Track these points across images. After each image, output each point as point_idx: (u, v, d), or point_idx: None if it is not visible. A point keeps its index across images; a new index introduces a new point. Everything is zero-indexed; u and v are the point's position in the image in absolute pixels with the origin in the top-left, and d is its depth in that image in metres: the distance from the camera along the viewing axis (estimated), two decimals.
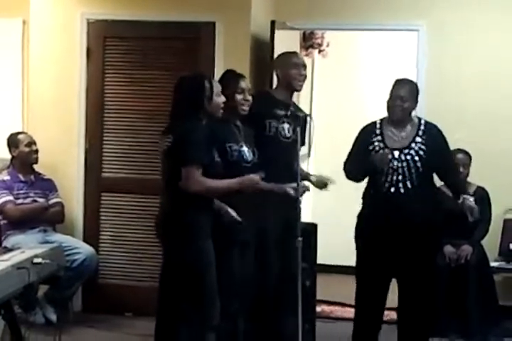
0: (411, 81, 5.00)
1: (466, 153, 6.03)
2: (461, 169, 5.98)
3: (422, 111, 6.35)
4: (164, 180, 4.25)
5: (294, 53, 5.33)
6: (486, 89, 6.33)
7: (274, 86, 5.27)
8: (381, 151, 4.83)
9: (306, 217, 4.91)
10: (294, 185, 4.54)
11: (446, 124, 6.28)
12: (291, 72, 4.99)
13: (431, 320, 5.09)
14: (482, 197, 6.02)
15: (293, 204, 4.59)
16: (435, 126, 5.03)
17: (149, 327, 4.49)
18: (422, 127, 4.98)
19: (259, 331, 4.88)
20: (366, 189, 4.99)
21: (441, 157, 4.96)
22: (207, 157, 4.10)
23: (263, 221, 4.60)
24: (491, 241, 6.10)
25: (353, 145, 5.02)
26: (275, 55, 5.30)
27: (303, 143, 4.94)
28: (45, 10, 6.16)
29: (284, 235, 4.78)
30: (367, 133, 4.96)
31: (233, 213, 4.29)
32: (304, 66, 5.08)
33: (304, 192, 4.75)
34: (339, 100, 7.92)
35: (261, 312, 4.87)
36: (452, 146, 6.08)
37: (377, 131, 4.93)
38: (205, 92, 4.15)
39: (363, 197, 4.99)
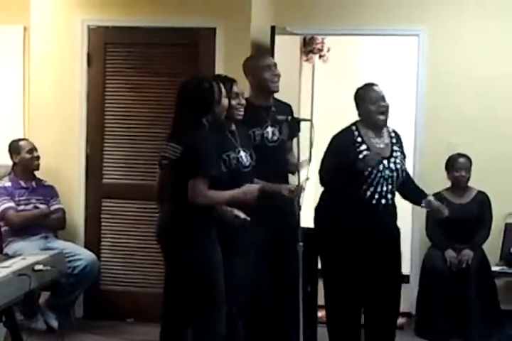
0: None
1: (467, 157, 6.03)
2: (464, 173, 5.98)
3: (422, 115, 6.38)
4: (163, 186, 4.21)
5: (262, 55, 5.28)
6: (486, 93, 6.33)
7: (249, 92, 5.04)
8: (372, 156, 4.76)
9: (306, 222, 4.89)
10: (290, 186, 4.55)
11: (446, 129, 6.34)
12: (265, 75, 4.92)
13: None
14: (483, 201, 6.03)
15: (293, 210, 4.59)
16: (396, 131, 4.99)
17: (151, 333, 4.50)
18: (393, 134, 4.95)
19: (259, 337, 4.88)
20: (340, 195, 4.85)
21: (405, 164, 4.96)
22: (215, 169, 4.06)
23: (263, 226, 4.58)
24: (492, 246, 6.10)
25: (330, 156, 4.85)
26: (276, 60, 5.27)
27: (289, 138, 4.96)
28: (45, 16, 6.16)
29: (284, 240, 4.77)
30: (348, 144, 4.81)
31: (241, 213, 4.23)
32: (275, 65, 4.99)
33: (300, 191, 4.71)
34: (340, 105, 7.90)
35: (261, 318, 4.87)
36: (452, 151, 6.12)
37: (359, 139, 4.83)
38: (214, 95, 4.11)
39: (334, 202, 4.87)
